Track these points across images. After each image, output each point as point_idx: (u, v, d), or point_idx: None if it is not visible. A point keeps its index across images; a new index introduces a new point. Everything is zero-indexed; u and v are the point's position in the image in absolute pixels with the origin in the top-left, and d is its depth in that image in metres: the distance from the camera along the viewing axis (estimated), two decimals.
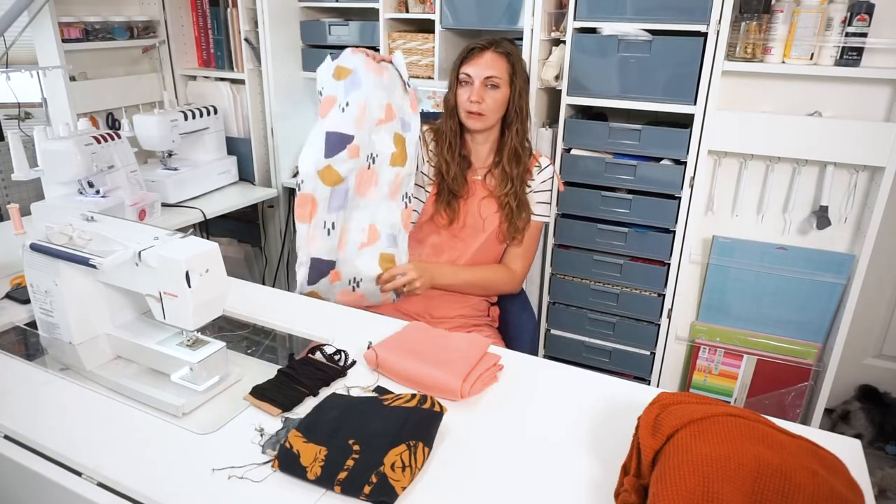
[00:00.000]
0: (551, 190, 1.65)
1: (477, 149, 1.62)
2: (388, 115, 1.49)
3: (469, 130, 1.59)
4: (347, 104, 1.46)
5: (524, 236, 1.61)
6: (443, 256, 1.64)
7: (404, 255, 1.55)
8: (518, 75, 1.53)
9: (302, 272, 1.49)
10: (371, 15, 2.18)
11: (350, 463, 0.85)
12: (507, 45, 1.54)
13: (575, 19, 1.82)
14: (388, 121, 1.49)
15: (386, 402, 0.97)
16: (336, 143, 1.44)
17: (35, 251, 1.11)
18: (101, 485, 0.86)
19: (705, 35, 1.69)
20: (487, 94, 1.51)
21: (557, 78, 1.93)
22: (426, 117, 1.76)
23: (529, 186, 1.61)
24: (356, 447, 0.87)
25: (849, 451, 0.94)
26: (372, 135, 1.48)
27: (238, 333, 1.33)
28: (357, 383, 1.09)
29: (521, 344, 1.64)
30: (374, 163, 1.49)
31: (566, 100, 1.91)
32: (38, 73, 1.98)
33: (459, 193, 1.59)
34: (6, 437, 0.95)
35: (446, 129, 1.59)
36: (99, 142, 1.75)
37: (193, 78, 2.52)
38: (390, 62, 1.53)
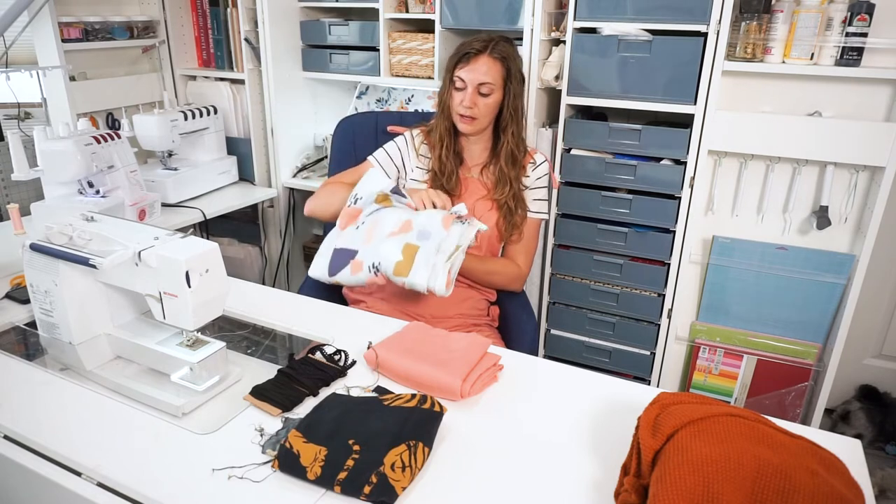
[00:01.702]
0: (548, 186, 1.65)
1: (470, 147, 1.62)
2: (402, 228, 1.39)
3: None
4: (363, 223, 1.43)
5: (522, 232, 1.61)
6: None
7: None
8: (513, 78, 1.52)
9: None
10: (371, 15, 2.18)
11: (350, 463, 0.85)
12: (504, 46, 1.52)
13: (575, 19, 1.82)
14: (401, 232, 1.38)
15: (386, 402, 0.97)
16: (340, 260, 1.43)
17: (35, 251, 1.11)
18: (100, 485, 0.86)
19: (705, 35, 1.69)
20: (480, 99, 1.51)
21: (557, 78, 1.93)
22: (425, 117, 1.76)
23: (525, 185, 1.61)
24: (356, 447, 0.87)
25: (849, 451, 0.94)
26: (380, 246, 1.39)
27: (238, 333, 1.32)
28: (357, 383, 1.09)
29: (521, 344, 1.64)
30: (378, 270, 1.39)
31: (566, 100, 1.91)
32: (37, 73, 1.98)
33: (454, 192, 1.59)
34: (6, 437, 0.95)
35: (440, 129, 1.59)
36: (99, 142, 1.75)
37: (193, 78, 2.53)
38: (459, 219, 1.39)
